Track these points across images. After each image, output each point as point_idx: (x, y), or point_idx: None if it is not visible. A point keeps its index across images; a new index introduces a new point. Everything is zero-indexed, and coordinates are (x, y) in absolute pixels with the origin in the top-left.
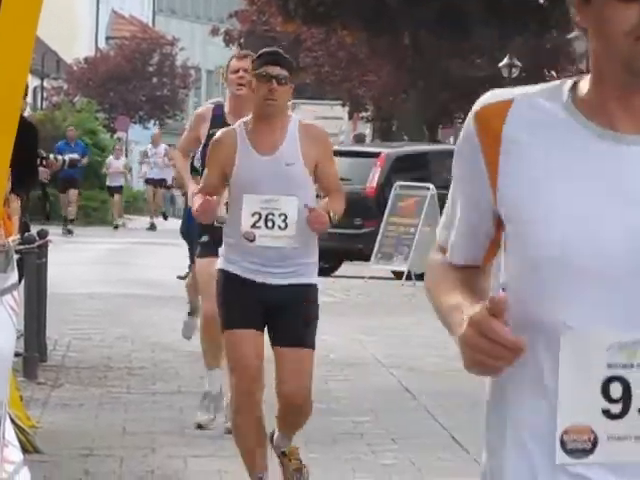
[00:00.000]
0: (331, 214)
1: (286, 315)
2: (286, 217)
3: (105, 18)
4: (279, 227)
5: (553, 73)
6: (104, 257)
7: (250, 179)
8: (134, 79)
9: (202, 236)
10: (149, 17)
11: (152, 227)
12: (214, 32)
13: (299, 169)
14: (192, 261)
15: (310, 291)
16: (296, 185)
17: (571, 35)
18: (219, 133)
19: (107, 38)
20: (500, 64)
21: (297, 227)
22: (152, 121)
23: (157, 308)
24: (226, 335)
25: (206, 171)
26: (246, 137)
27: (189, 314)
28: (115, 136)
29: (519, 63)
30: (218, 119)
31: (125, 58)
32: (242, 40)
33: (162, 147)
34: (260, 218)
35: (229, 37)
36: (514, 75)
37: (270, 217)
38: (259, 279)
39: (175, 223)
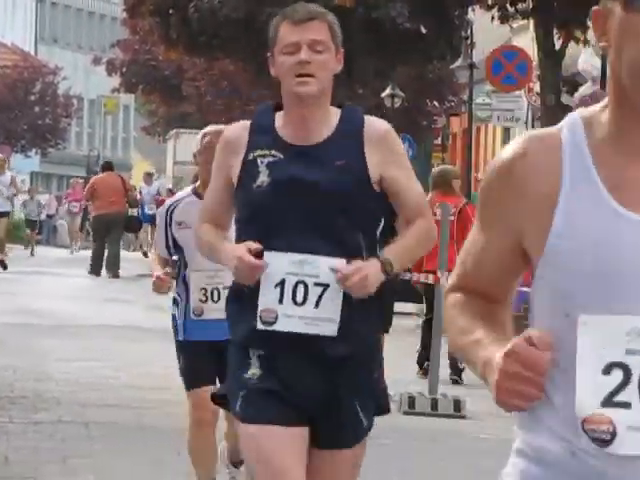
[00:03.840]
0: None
1: None
2: None
3: None
4: None
5: (435, 103)
6: None
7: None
8: (16, 108)
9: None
10: (31, 46)
11: None
12: (96, 61)
13: None
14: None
15: None
16: None
17: (454, 65)
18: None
19: None
20: (383, 94)
21: None
22: (34, 150)
23: (40, 337)
24: None
25: (474, 229)
26: (592, 164)
27: None
28: None
29: (402, 93)
30: (263, 134)
31: (7, 86)
32: (124, 69)
33: (8, 175)
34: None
35: (111, 66)
36: (397, 105)
37: None
38: None
39: (53, 252)
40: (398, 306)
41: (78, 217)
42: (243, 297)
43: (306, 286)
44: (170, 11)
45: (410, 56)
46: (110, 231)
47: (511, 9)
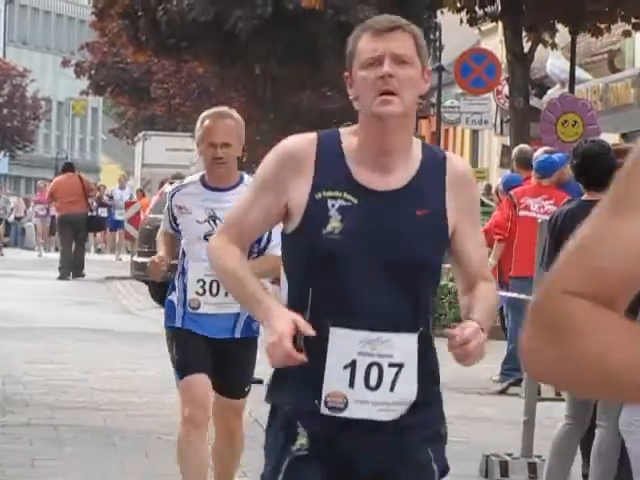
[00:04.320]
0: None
1: None
2: None
3: None
4: None
5: None
6: None
7: None
8: None
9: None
10: (0, 48)
11: None
12: (65, 63)
13: None
14: None
15: None
16: None
17: None
18: None
19: None
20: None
21: None
22: (2, 152)
23: (7, 340)
24: None
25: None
26: None
27: None
28: None
29: None
30: (333, 168)
31: None
32: (93, 71)
33: None
34: None
35: (80, 69)
36: None
37: None
38: None
39: (21, 254)
40: None
41: (46, 220)
42: (298, 368)
43: (380, 368)
44: (139, 14)
45: None
46: (76, 233)
47: (480, 12)
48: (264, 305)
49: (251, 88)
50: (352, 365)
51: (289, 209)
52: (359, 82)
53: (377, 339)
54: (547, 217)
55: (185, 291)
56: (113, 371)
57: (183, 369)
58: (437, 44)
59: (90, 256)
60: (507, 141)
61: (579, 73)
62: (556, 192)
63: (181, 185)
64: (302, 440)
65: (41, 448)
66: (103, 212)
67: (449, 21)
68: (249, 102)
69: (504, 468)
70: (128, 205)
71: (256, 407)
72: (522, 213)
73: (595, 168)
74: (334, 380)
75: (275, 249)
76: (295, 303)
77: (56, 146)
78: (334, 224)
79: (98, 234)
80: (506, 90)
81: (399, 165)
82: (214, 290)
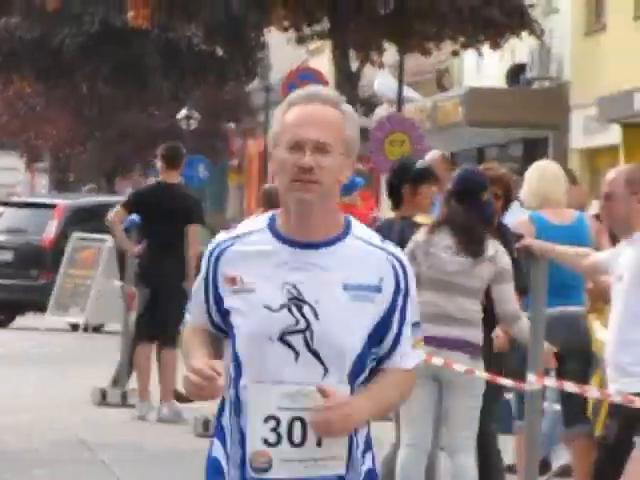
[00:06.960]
0: None
1: None
2: None
3: None
4: None
5: (232, 125)
6: None
7: None
8: None
9: None
10: None
11: None
12: None
13: None
14: None
15: None
16: None
17: (249, 87)
18: None
19: None
20: (178, 115)
21: None
22: None
23: None
24: None
25: None
26: None
27: None
28: None
29: (197, 114)
30: None
31: None
32: None
33: None
34: None
35: None
36: (192, 127)
37: None
38: None
39: None
40: None
41: None
42: None
43: None
44: None
45: (206, 78)
46: None
47: (307, 30)
48: None
49: (77, 107)
50: None
51: None
52: None
53: None
54: None
55: (243, 439)
56: None
57: None
58: (264, 63)
59: None
60: None
61: (407, 92)
62: (355, 211)
63: (235, 236)
64: None
65: None
66: None
67: (277, 40)
68: (75, 121)
69: None
70: None
71: None
72: None
73: (397, 186)
74: None
75: (404, 360)
76: None
77: None
78: None
79: None
80: None
81: None
82: (297, 436)
